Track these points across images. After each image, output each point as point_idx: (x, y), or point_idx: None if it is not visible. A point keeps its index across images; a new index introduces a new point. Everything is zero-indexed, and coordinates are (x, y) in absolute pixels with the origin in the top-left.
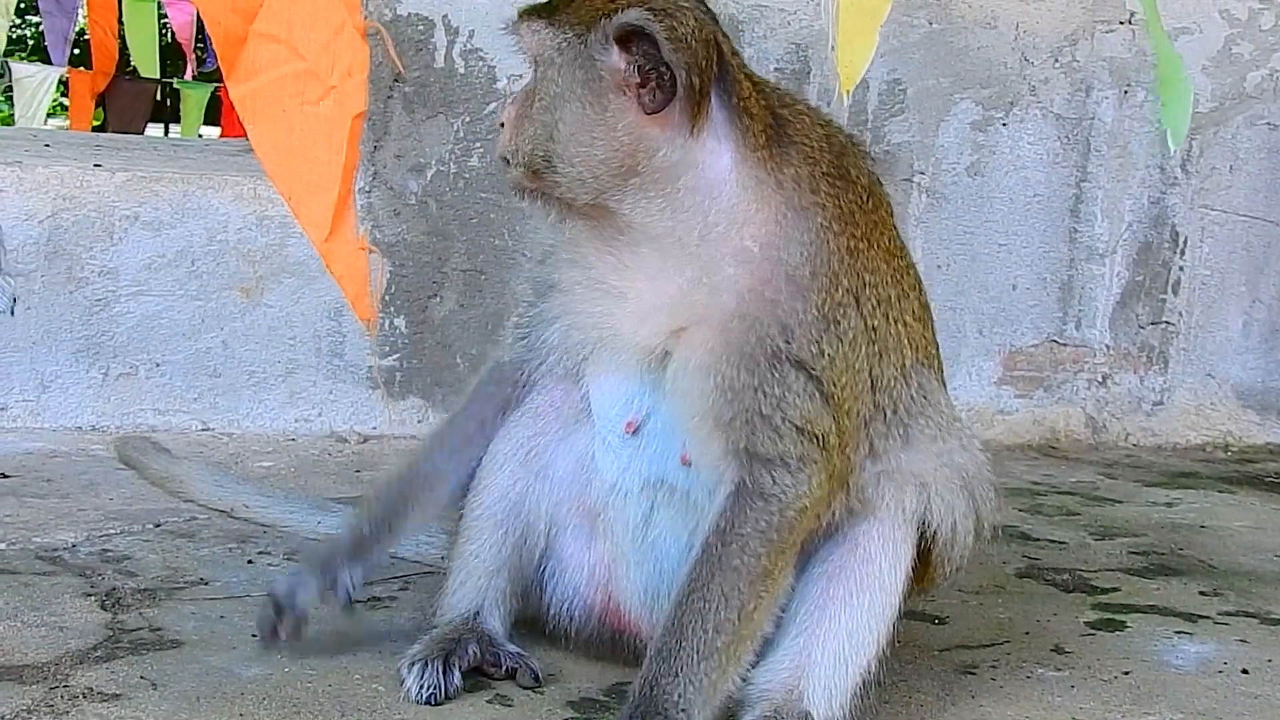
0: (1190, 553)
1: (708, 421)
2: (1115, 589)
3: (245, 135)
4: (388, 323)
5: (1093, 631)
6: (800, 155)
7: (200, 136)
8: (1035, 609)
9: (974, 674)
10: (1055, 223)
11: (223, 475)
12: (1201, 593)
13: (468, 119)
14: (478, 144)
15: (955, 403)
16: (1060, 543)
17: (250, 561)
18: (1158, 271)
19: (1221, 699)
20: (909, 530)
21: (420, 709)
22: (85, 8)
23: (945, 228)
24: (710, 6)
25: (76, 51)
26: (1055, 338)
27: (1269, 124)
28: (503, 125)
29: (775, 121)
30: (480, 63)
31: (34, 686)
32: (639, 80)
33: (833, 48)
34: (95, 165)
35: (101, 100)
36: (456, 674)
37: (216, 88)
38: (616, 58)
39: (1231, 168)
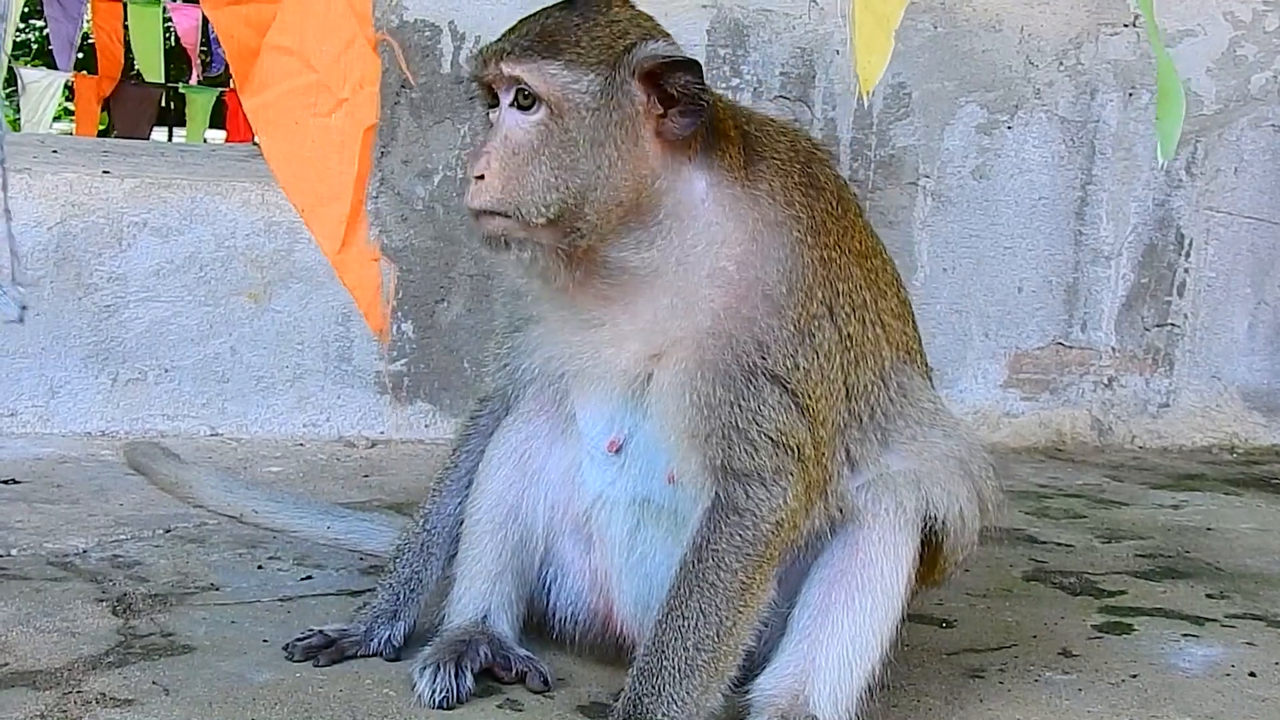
0: (1197, 555)
1: (685, 439)
2: (1122, 592)
3: (251, 140)
4: (395, 328)
5: (1100, 634)
6: (771, 169)
7: (205, 141)
8: (1042, 612)
9: (981, 677)
10: (1060, 225)
11: (231, 480)
12: (1208, 595)
13: (474, 125)
14: None
15: (961, 405)
16: (1067, 545)
17: (260, 567)
18: (1163, 274)
19: (1229, 702)
20: (910, 531)
21: (432, 713)
22: (90, 12)
23: (951, 231)
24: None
25: (81, 56)
26: (1061, 340)
27: (1273, 126)
28: (480, 178)
29: (744, 137)
30: None
31: (47, 692)
32: (661, 111)
33: (842, 47)
34: (104, 171)
35: (107, 105)
36: (468, 677)
37: (221, 92)
38: (640, 91)
39: (1236, 170)
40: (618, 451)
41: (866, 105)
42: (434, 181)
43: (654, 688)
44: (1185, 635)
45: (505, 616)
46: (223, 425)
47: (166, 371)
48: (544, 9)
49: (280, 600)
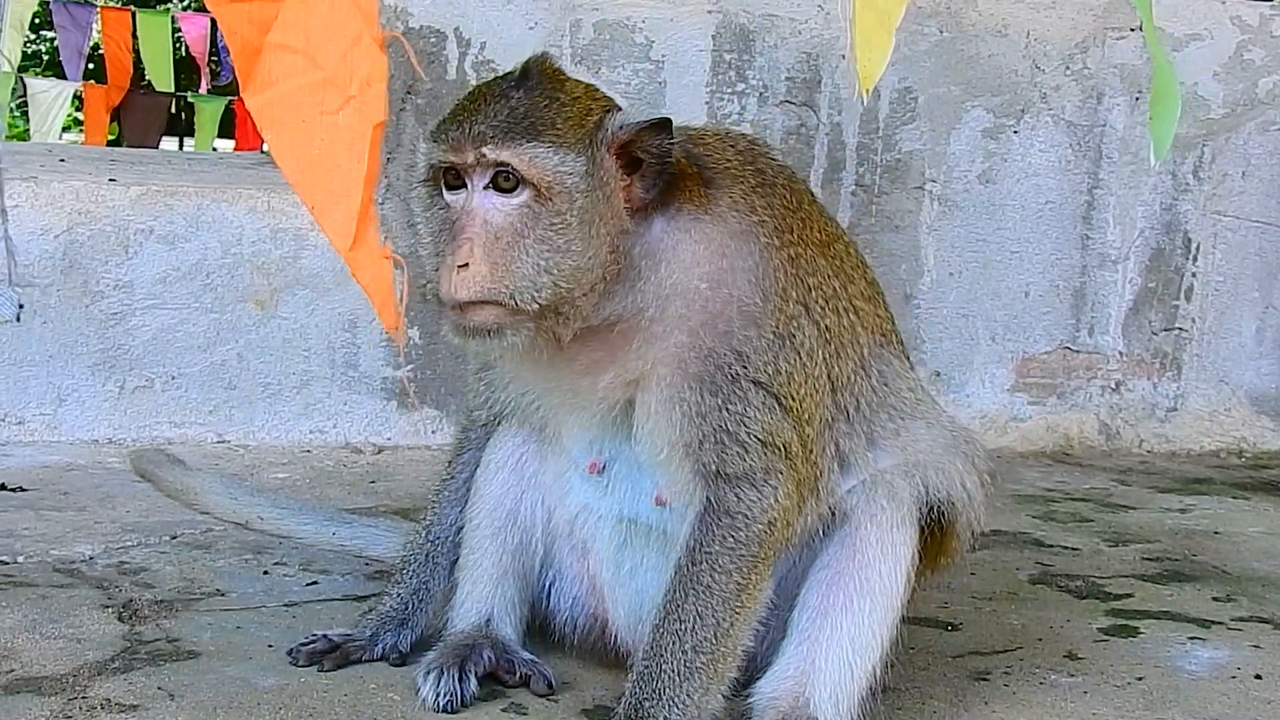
0: (1204, 559)
1: (678, 450)
2: (1129, 595)
3: (260, 148)
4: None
5: (1106, 638)
6: (727, 181)
7: (215, 150)
8: (1048, 615)
9: (987, 680)
10: (1067, 230)
11: (237, 487)
12: (1215, 599)
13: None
14: None
15: (968, 410)
16: (1074, 549)
17: (266, 572)
18: (1170, 278)
19: (1235, 705)
20: (907, 528)
21: (436, 717)
22: (99, 22)
23: (957, 235)
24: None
25: (91, 66)
26: (1068, 344)
27: None
28: (463, 267)
29: (696, 161)
30: (492, 73)
31: (52, 698)
32: (627, 180)
33: (848, 51)
34: (110, 180)
35: (116, 114)
36: (473, 681)
37: (231, 101)
38: (613, 164)
39: (1244, 174)
40: (600, 472)
41: (867, 105)
42: None
43: (654, 691)
44: (1191, 638)
45: (509, 619)
46: (229, 432)
47: (173, 379)
48: (489, 88)
49: (286, 606)
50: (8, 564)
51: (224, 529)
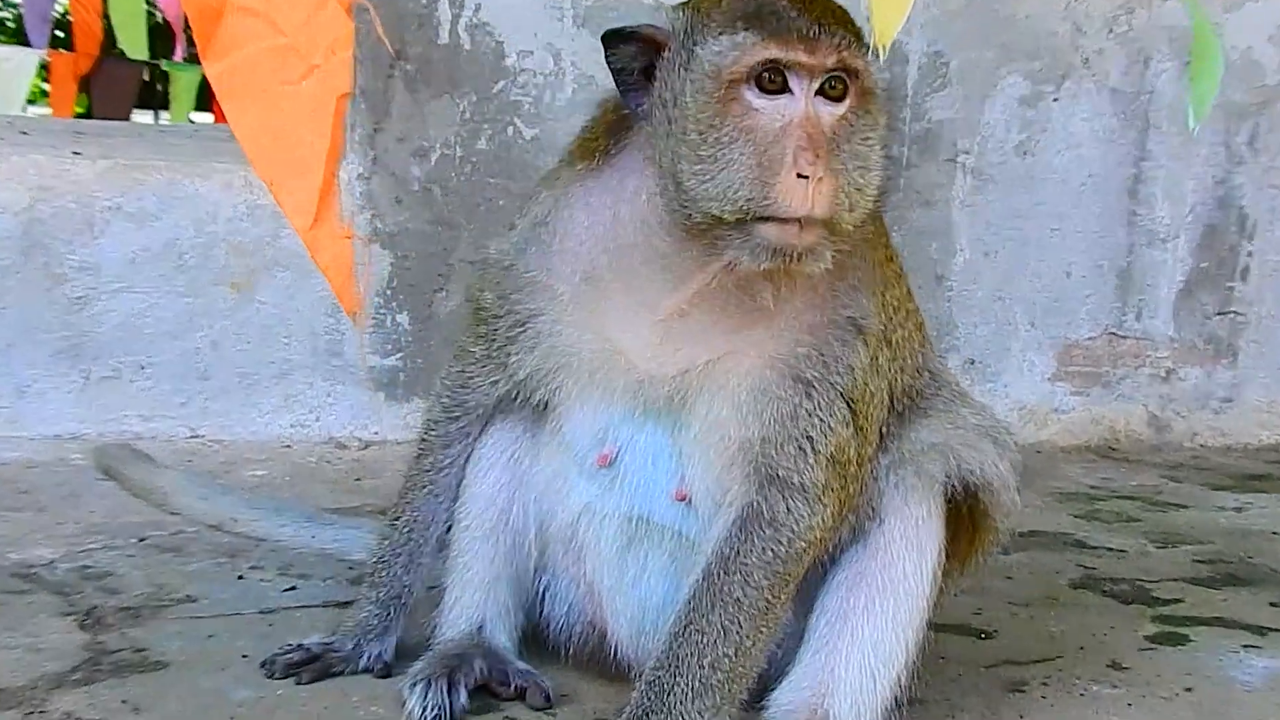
0: (1260, 561)
1: (742, 446)
2: (1178, 600)
3: None
4: (390, 319)
5: (1153, 646)
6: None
7: (191, 122)
8: (1091, 622)
9: (1023, 692)
10: (1112, 205)
11: (210, 485)
12: (1272, 604)
13: (474, 99)
14: (485, 125)
15: (1006, 401)
16: (1119, 551)
17: (241, 577)
18: (1224, 257)
19: None
20: (934, 521)
21: None
22: None
23: (993, 211)
24: None
25: (59, 33)
26: (1114, 330)
27: None
28: (820, 180)
29: None
30: (488, 38)
31: (8, 712)
32: None
33: (868, 4)
34: (74, 153)
35: (85, 85)
36: (462, 693)
37: None
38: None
39: None
40: (609, 465)
41: (894, 71)
42: (431, 161)
43: (663, 704)
44: (1245, 646)
45: (503, 627)
46: (203, 426)
47: (142, 368)
48: None
49: (262, 613)
50: None
51: (196, 530)
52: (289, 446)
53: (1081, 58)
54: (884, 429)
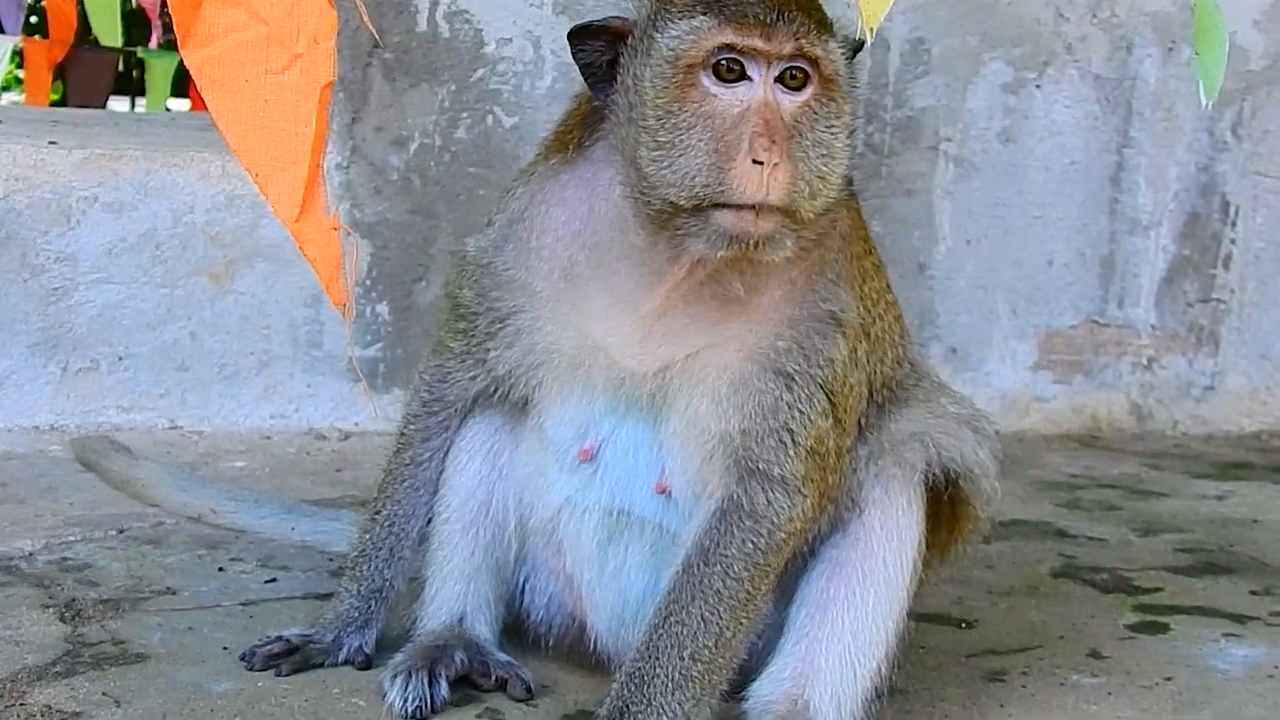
0: (1241, 549)
1: (723, 439)
2: (1158, 589)
3: None
4: (369, 310)
5: (1133, 635)
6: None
7: (168, 110)
8: (1071, 611)
9: (1003, 681)
10: (1095, 193)
11: (190, 477)
12: (1252, 592)
13: (454, 87)
14: (464, 114)
15: (987, 389)
16: (1100, 540)
17: (221, 569)
18: (1207, 245)
19: (1271, 706)
20: (914, 511)
21: None
22: None
23: (975, 199)
24: None
25: (33, 20)
26: (1096, 318)
27: None
28: (776, 166)
29: None
30: (466, 26)
31: None
32: None
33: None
34: (50, 142)
35: (61, 72)
36: (443, 685)
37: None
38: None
39: None
40: (590, 459)
41: (876, 58)
42: (410, 150)
43: (643, 696)
44: (1226, 635)
45: (483, 618)
46: (182, 417)
47: (120, 359)
48: None
49: (242, 605)
50: None
51: (176, 522)
52: (269, 438)
53: (1064, 44)
54: (863, 420)
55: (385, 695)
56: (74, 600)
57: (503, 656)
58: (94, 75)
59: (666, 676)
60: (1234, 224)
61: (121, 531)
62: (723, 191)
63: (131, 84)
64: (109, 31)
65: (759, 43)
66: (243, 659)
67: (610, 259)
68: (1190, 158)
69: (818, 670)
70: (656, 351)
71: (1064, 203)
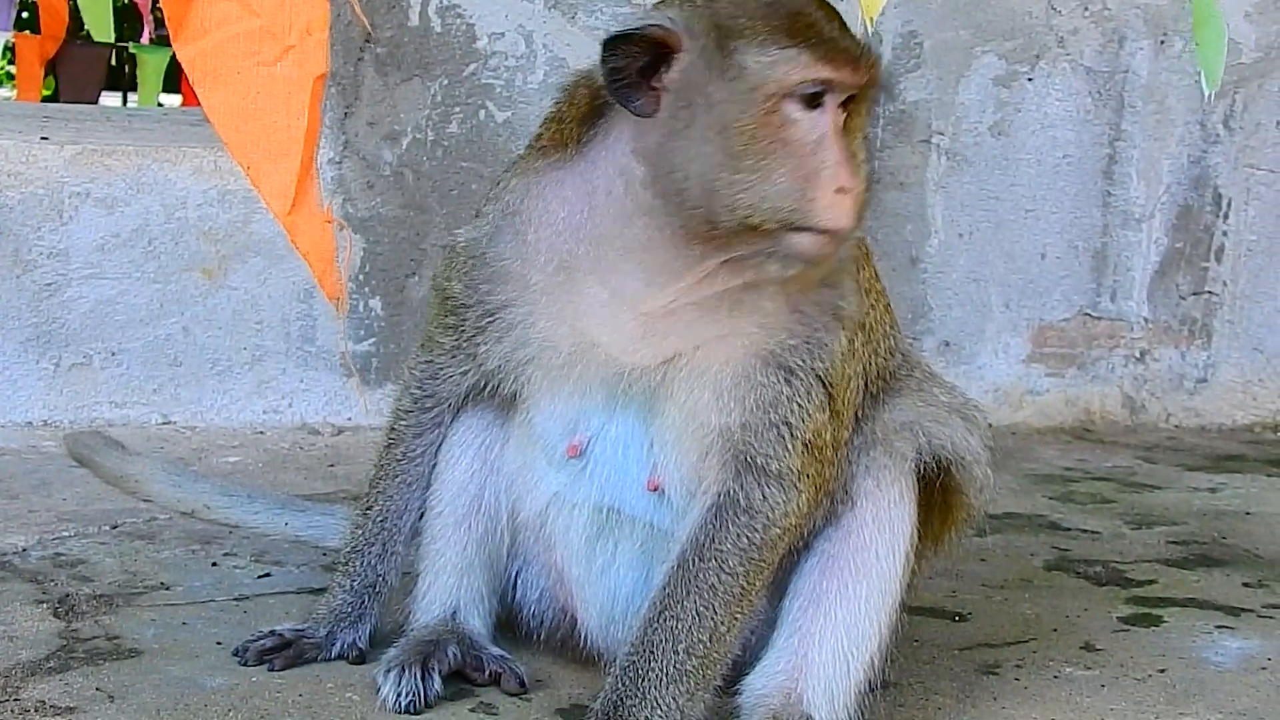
0: (1234, 542)
1: (720, 434)
2: (1152, 581)
3: None
4: (362, 305)
5: (1126, 627)
6: None
7: (160, 105)
8: (1064, 604)
9: (996, 674)
10: (1087, 186)
11: (183, 473)
12: (1245, 584)
13: (446, 82)
14: (457, 109)
15: (980, 383)
16: (1093, 532)
17: (215, 564)
18: (1199, 237)
19: (1264, 698)
20: (906, 505)
21: (398, 719)
22: None
23: (967, 193)
24: None
25: (24, 15)
26: (1088, 311)
27: None
28: (854, 193)
29: None
30: (458, 20)
31: None
32: None
33: None
34: (42, 138)
35: (51, 67)
36: (436, 679)
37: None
38: None
39: (1278, 123)
40: (579, 455)
41: (871, 39)
42: (402, 145)
43: (638, 690)
44: (1219, 627)
45: (477, 612)
46: (175, 413)
47: (113, 355)
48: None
49: (236, 600)
50: None
51: (169, 518)
52: (261, 433)
53: (1056, 37)
54: (859, 412)
55: (379, 689)
56: (68, 596)
57: (496, 651)
58: (85, 71)
59: (661, 671)
60: (1226, 216)
61: (115, 527)
62: (808, 217)
63: (123, 79)
64: (101, 27)
65: (849, 76)
66: (236, 654)
67: (611, 255)
68: (1182, 150)
69: (811, 664)
70: (657, 347)
71: (1056, 196)
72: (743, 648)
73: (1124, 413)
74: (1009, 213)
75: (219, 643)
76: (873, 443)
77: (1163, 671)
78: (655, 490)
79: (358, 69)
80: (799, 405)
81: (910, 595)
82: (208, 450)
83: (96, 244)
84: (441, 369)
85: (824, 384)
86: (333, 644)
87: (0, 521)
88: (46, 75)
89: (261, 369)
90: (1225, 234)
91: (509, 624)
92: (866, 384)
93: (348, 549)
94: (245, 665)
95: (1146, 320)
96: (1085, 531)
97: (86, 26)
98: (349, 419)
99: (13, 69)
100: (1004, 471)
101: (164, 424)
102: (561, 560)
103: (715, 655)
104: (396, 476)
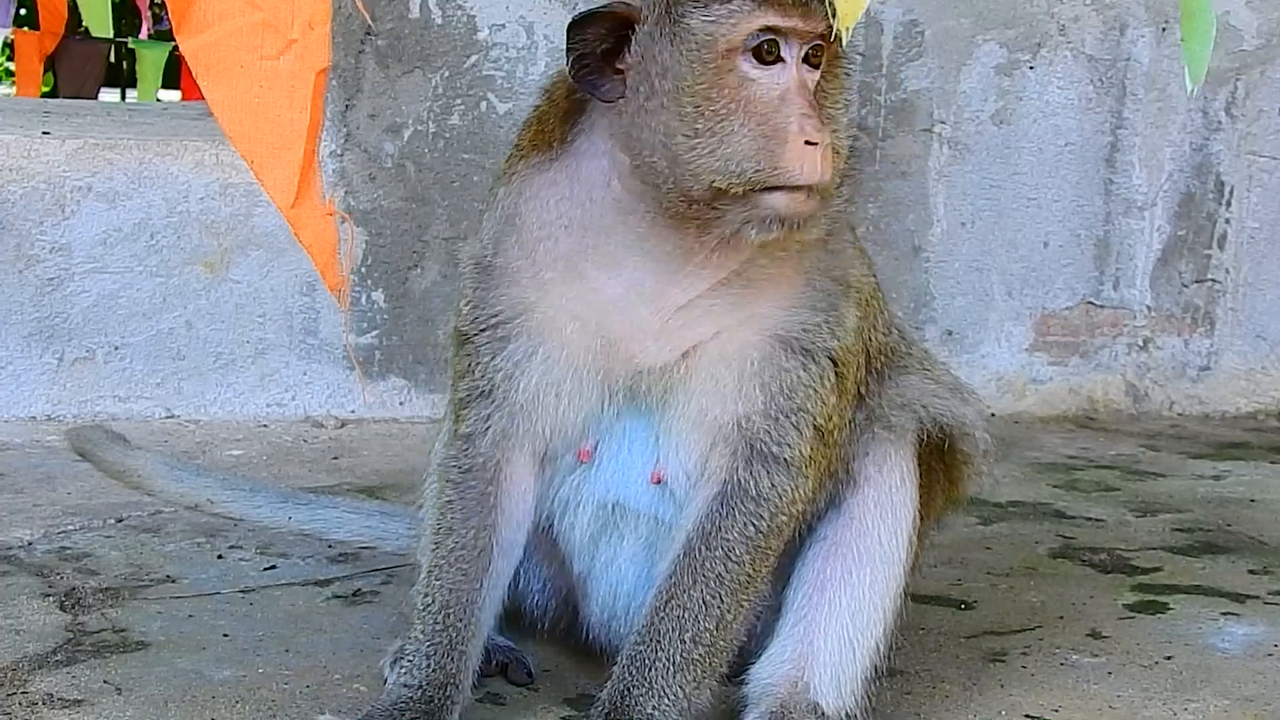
0: (1239, 529)
1: (727, 420)
2: (1157, 569)
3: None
4: (365, 297)
5: (1132, 614)
6: None
7: (159, 100)
8: (1070, 591)
9: (1003, 661)
10: (1089, 174)
11: (185, 467)
12: (1250, 571)
13: (447, 74)
14: (458, 101)
15: (983, 372)
16: (1098, 520)
17: (220, 557)
18: (1202, 225)
19: (1270, 684)
20: (906, 491)
21: None
22: None
23: (969, 182)
24: None
25: (22, 11)
26: (1091, 299)
27: None
28: (826, 146)
29: None
30: (459, 11)
31: None
32: None
33: None
34: (43, 133)
35: (50, 63)
36: None
37: (175, 47)
38: None
39: None
40: (589, 457)
41: (870, 41)
42: (404, 137)
43: (645, 679)
44: (1224, 614)
45: None
46: (179, 406)
47: (116, 349)
48: None
49: (242, 592)
50: None
51: (174, 511)
52: (265, 426)
53: (1058, 25)
54: (863, 389)
55: (386, 681)
56: (74, 589)
57: (504, 641)
58: (84, 66)
59: (668, 660)
60: (1228, 204)
61: (120, 520)
62: (777, 174)
63: (122, 75)
64: (99, 22)
65: (799, 23)
66: (225, 636)
67: (614, 249)
68: (1184, 138)
69: (817, 651)
70: (678, 340)
71: (1058, 184)
72: (748, 636)
73: (1127, 401)
74: (1011, 201)
75: (225, 635)
76: (874, 420)
77: (1169, 658)
78: (658, 483)
79: (359, 61)
80: (815, 390)
81: (915, 584)
82: (211, 444)
83: (99, 238)
84: (471, 433)
85: (835, 363)
86: None
87: (5, 515)
88: (45, 71)
89: (264, 362)
90: (1228, 221)
91: (515, 615)
92: (869, 359)
93: (411, 648)
94: None
95: (1149, 308)
96: (1090, 519)
97: (85, 22)
98: (352, 411)
99: (11, 65)
100: (1008, 460)
101: (167, 418)
102: (565, 555)
103: (721, 643)
104: (453, 566)
